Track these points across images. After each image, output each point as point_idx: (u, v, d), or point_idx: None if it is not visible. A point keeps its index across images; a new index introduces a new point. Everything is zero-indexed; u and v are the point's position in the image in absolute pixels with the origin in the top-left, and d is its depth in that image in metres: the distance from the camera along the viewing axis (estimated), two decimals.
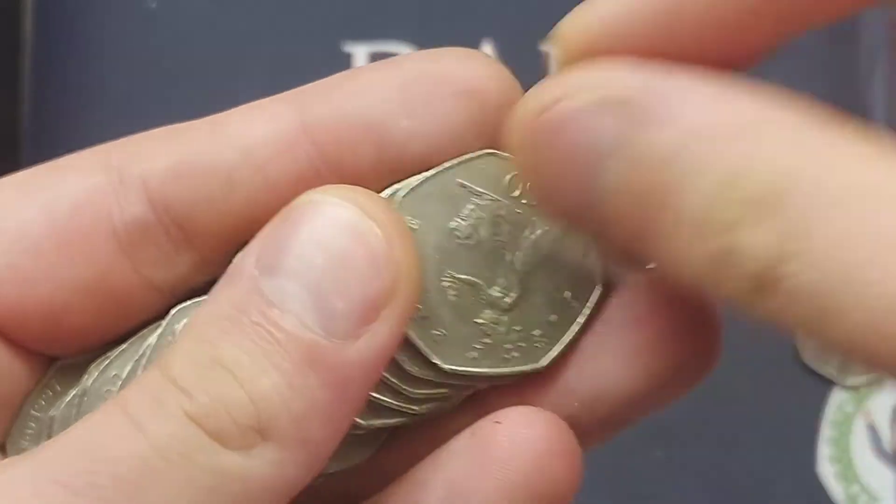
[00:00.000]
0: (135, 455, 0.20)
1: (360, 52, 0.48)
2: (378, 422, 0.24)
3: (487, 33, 0.48)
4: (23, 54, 0.49)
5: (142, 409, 0.20)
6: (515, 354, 0.24)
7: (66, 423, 0.24)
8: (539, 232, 0.24)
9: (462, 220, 0.23)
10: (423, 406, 0.24)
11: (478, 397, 0.24)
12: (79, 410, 0.24)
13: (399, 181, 0.23)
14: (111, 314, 0.24)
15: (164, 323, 0.24)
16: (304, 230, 0.21)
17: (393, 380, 0.23)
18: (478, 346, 0.23)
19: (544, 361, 0.24)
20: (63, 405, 0.24)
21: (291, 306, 0.21)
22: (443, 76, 0.23)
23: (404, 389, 0.24)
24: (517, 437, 0.22)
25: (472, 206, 0.23)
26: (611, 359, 0.23)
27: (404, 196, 0.23)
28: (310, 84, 0.24)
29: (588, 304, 0.24)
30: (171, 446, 0.20)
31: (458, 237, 0.23)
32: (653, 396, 0.23)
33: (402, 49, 0.48)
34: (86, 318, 0.24)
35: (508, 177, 0.23)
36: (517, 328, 0.24)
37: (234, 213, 0.23)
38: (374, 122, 0.23)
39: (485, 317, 0.23)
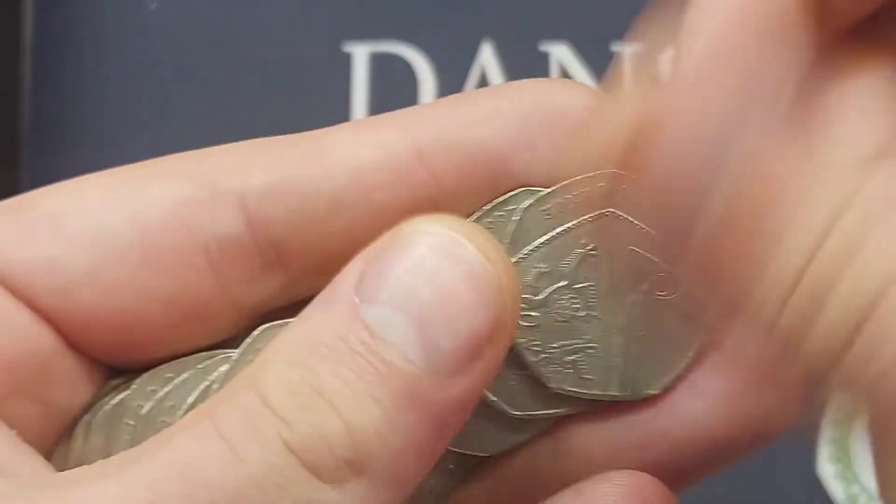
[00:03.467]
0: (231, 483, 0.19)
1: (360, 52, 0.48)
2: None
3: (487, 33, 0.48)
4: (23, 54, 0.49)
5: (238, 434, 0.20)
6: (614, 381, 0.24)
7: (113, 440, 0.24)
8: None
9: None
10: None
11: (560, 427, 0.24)
12: (132, 438, 0.24)
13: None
14: (187, 329, 0.24)
15: (246, 343, 0.24)
16: (410, 258, 0.20)
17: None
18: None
19: (651, 391, 0.24)
20: (101, 415, 0.24)
21: (394, 338, 0.20)
22: (560, 110, 0.23)
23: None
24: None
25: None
26: (703, 403, 0.23)
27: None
28: (416, 107, 0.24)
29: (694, 343, 0.23)
30: (268, 476, 0.19)
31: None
32: (739, 445, 0.23)
33: (403, 49, 0.48)
34: (161, 331, 0.23)
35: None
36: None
37: (334, 237, 0.23)
38: (494, 154, 0.23)
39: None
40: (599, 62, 0.48)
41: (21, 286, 0.23)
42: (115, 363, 0.24)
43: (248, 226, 0.23)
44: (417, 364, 0.20)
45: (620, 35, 0.47)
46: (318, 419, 0.20)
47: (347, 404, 0.20)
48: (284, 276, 0.24)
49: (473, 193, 0.23)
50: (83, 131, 0.48)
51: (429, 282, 0.20)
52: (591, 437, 0.24)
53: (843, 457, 0.45)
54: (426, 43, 0.48)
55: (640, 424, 0.23)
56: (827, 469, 0.45)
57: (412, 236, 0.21)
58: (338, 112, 0.48)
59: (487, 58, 0.47)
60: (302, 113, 0.48)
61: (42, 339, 0.23)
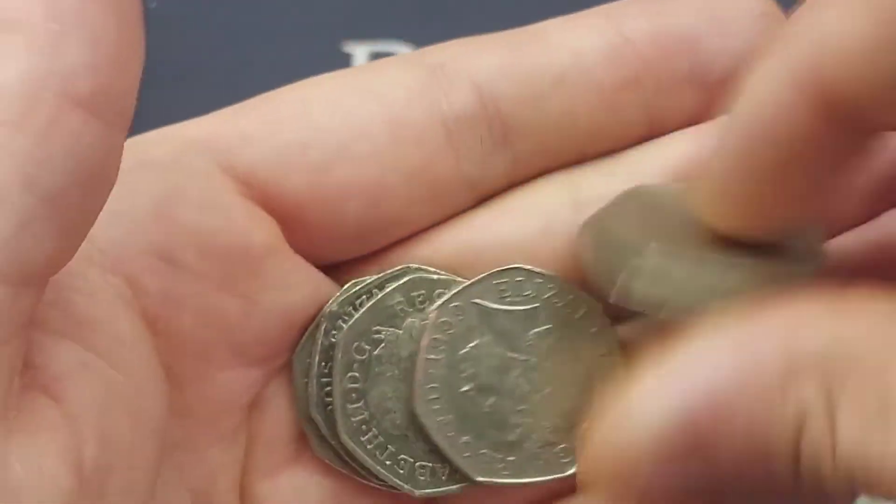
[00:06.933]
0: None
1: (360, 52, 0.48)
2: None
3: (487, 34, 0.48)
4: None
5: None
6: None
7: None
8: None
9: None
10: None
11: None
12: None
13: None
14: (427, 204, 0.25)
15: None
16: None
17: None
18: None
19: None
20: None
21: None
22: (744, 2, 0.25)
23: None
24: None
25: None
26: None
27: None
28: (616, 3, 0.26)
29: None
30: None
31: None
32: None
33: (403, 49, 0.48)
34: (404, 205, 0.24)
35: None
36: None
37: (556, 115, 0.25)
38: (689, 37, 0.25)
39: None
40: None
41: (270, 174, 0.24)
42: (344, 256, 0.25)
43: (480, 102, 0.25)
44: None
45: None
46: None
47: None
48: (510, 156, 0.25)
49: (672, 72, 0.25)
50: None
51: None
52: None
53: None
54: (426, 43, 0.48)
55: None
56: None
57: None
58: None
59: None
60: None
61: (257, 236, 0.24)
